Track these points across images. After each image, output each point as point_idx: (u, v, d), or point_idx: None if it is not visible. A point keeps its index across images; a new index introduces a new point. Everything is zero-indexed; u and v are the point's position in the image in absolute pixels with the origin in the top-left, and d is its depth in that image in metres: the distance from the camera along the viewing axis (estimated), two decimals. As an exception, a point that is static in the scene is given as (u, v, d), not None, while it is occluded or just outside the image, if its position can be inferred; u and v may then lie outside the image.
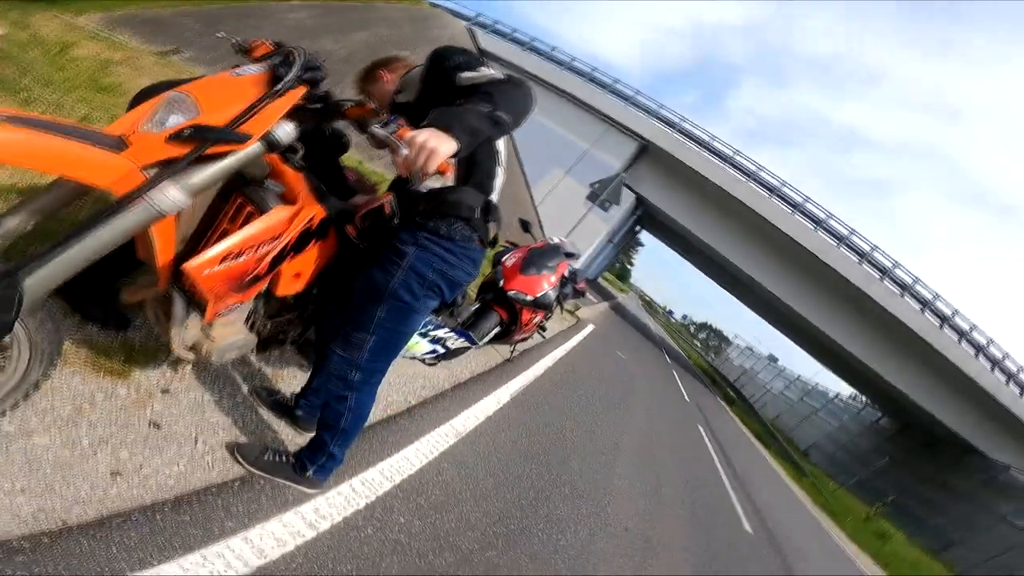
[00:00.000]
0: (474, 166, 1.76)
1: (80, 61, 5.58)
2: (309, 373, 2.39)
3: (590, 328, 13.19)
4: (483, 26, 26.78)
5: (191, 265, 1.45)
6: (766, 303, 29.04)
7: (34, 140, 1.10)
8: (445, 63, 1.70)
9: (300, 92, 1.44)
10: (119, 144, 1.23)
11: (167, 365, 2.20)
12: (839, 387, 34.60)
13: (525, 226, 5.14)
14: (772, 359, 40.55)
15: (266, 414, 2.37)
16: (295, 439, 2.33)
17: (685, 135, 23.13)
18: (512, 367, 5.69)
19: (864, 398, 32.97)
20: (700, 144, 22.78)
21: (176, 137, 1.25)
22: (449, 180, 1.74)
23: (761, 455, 15.72)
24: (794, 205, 21.15)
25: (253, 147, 1.39)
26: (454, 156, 1.32)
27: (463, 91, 1.59)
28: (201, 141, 1.27)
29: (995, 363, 20.11)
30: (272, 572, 1.68)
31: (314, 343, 2.29)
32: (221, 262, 1.48)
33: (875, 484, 20.79)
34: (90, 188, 1.29)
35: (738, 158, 22.22)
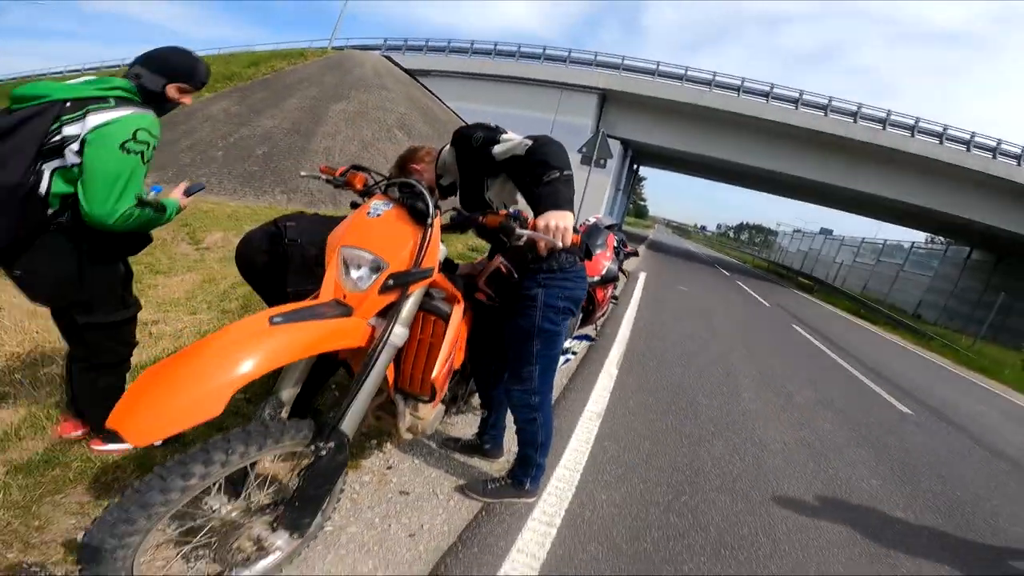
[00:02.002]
0: (579, 235, 2.27)
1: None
2: (479, 417, 3.05)
3: (642, 276, 13.72)
4: (396, 48, 28.85)
5: (434, 375, 1.97)
6: (786, 185, 30.22)
7: (303, 333, 1.49)
8: (471, 144, 2.16)
9: (439, 218, 1.80)
10: (345, 309, 1.69)
11: (377, 450, 2.86)
12: (910, 236, 34.64)
13: None
14: (826, 232, 40.44)
15: (461, 456, 3.01)
16: (489, 467, 2.97)
17: (632, 71, 25.67)
18: (603, 341, 6.34)
19: (941, 238, 32.83)
20: (649, 73, 25.34)
21: (385, 289, 1.67)
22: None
23: (872, 332, 15.99)
24: (765, 95, 23.61)
25: (434, 277, 1.83)
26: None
27: (505, 163, 2.07)
28: (403, 286, 1.68)
29: (1019, 158, 21.25)
30: (550, 559, 2.29)
31: (479, 392, 2.91)
32: (446, 364, 2.01)
33: (1008, 325, 20.80)
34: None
35: (691, 72, 24.84)
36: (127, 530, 1.27)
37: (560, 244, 1.75)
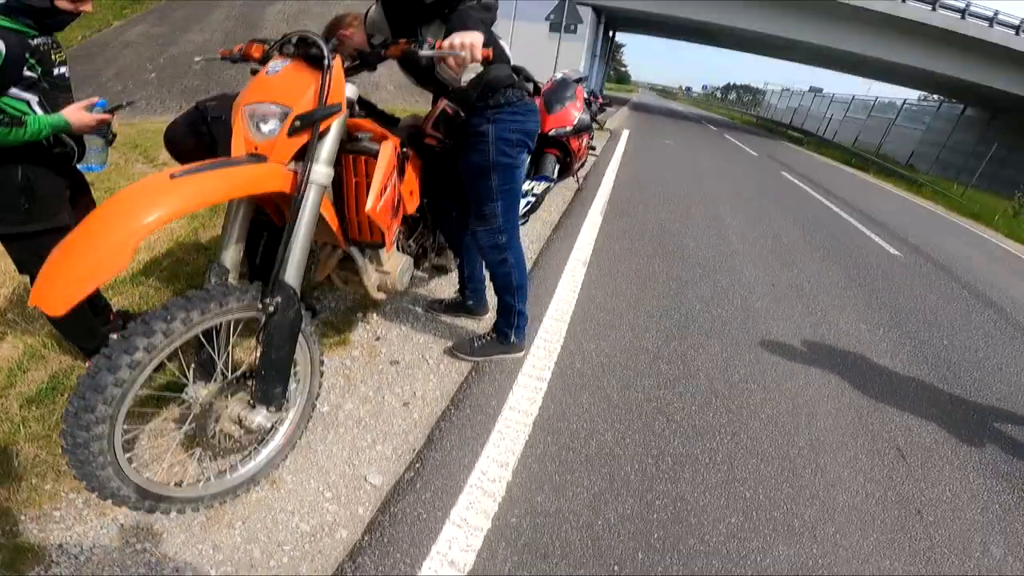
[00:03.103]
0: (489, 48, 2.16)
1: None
2: (454, 274, 2.99)
3: (626, 133, 13.36)
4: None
5: (368, 208, 1.93)
6: (771, 45, 28.82)
7: (209, 181, 1.45)
8: None
9: (338, 59, 1.75)
10: (259, 158, 1.61)
11: (363, 323, 2.79)
12: (900, 94, 33.33)
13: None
14: (816, 90, 39.28)
15: (447, 318, 2.96)
16: (476, 326, 2.93)
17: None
18: (586, 192, 6.26)
19: (935, 96, 31.53)
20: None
21: (293, 131, 1.61)
22: (478, 67, 2.10)
23: (863, 179, 15.81)
24: None
25: (343, 112, 1.76)
26: (484, 45, 1.71)
27: (435, 5, 1.95)
28: (313, 124, 1.64)
29: (1018, 28, 20.21)
30: (542, 415, 2.29)
31: (448, 242, 2.84)
32: (380, 198, 1.97)
33: (1000, 175, 20.32)
34: (262, 196, 1.68)
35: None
36: (90, 419, 1.26)
37: (469, 57, 1.69)
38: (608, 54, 41.28)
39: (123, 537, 1.57)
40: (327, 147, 1.71)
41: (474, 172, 2.25)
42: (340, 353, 2.54)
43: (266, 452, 1.81)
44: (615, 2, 24.48)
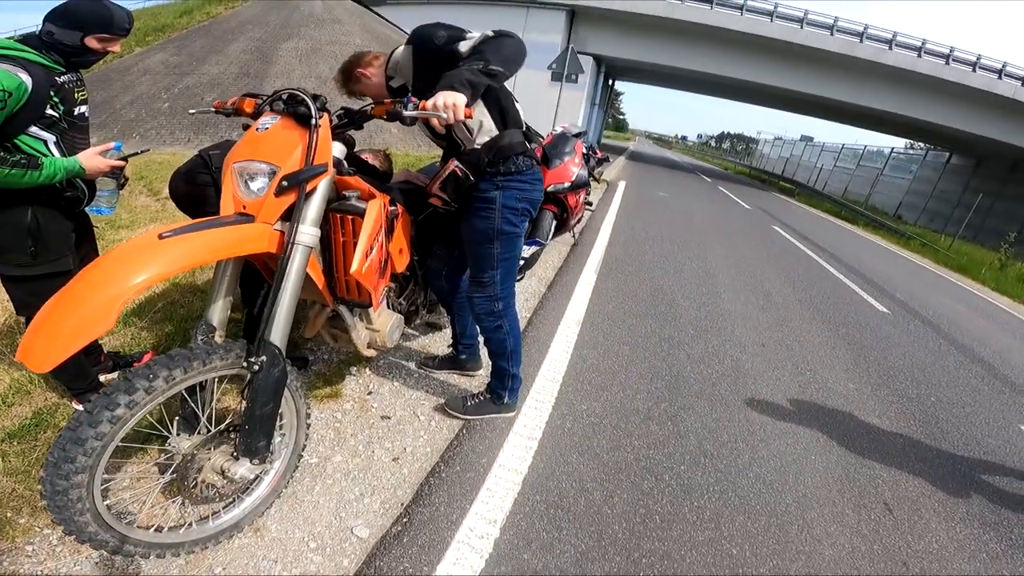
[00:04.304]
0: (504, 112, 2.23)
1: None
2: (448, 330, 3.06)
3: (622, 185, 13.71)
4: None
5: (353, 270, 1.98)
6: (764, 94, 30.32)
7: (196, 242, 1.48)
8: (433, 43, 2.09)
9: (326, 118, 1.80)
10: (246, 218, 1.64)
11: (356, 376, 2.86)
12: (888, 142, 34.55)
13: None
14: (806, 139, 40.72)
15: (440, 375, 3.03)
16: (470, 383, 3.00)
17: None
18: (581, 247, 6.43)
19: (922, 144, 32.90)
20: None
21: (280, 191, 1.65)
22: (493, 130, 2.20)
23: (852, 232, 16.14)
24: (739, 7, 22.73)
25: (330, 172, 1.84)
26: (467, 105, 1.76)
27: (468, 59, 2.00)
28: (299, 185, 1.67)
29: (1000, 72, 21.44)
30: (531, 474, 2.34)
31: (440, 300, 2.90)
32: (366, 258, 2.01)
33: (987, 225, 21.16)
34: (250, 256, 1.72)
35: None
36: (70, 468, 1.32)
37: (452, 118, 1.73)
38: (607, 102, 42.50)
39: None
40: (313, 208, 1.77)
41: (477, 238, 2.31)
42: (331, 406, 2.60)
43: (250, 500, 1.85)
44: (615, 52, 25.57)
